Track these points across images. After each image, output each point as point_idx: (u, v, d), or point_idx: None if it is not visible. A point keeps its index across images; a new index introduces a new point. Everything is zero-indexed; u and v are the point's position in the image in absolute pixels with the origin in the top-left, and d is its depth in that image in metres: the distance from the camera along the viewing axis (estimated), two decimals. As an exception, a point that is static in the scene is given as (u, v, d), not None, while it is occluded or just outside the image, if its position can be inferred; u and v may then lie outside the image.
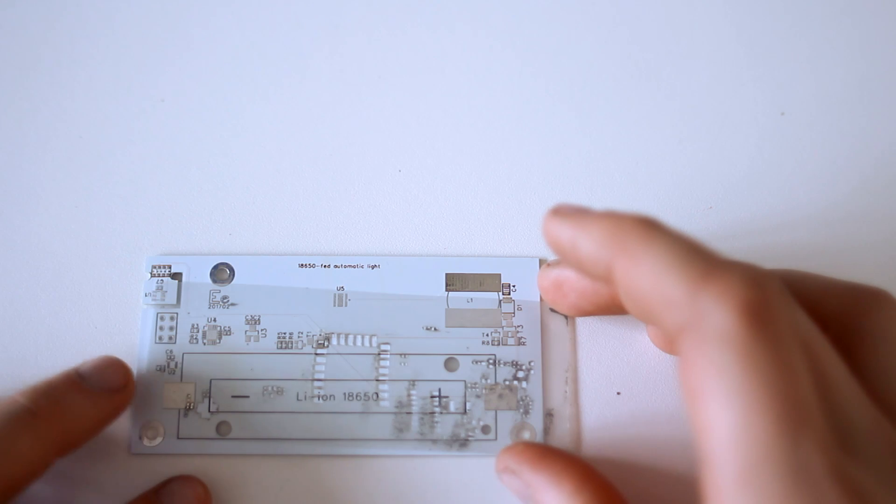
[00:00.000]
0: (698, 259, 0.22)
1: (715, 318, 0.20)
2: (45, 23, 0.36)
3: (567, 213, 0.25)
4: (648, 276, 0.22)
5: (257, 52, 0.36)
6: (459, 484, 0.31)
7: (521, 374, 0.31)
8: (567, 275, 0.29)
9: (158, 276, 0.32)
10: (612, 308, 0.29)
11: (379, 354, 0.31)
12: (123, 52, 0.36)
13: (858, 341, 0.25)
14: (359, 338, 0.31)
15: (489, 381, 0.31)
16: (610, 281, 0.24)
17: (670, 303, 0.21)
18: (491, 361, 0.31)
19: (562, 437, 0.31)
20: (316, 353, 0.31)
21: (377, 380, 0.31)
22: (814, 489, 0.19)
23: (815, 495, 0.19)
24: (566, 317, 0.32)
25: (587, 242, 0.24)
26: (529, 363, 0.31)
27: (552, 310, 0.32)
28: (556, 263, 0.30)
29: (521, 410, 0.31)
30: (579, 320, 0.32)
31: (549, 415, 0.31)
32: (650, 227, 0.23)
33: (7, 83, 0.35)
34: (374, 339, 0.32)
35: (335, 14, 0.37)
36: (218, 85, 0.36)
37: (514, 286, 0.32)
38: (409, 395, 0.31)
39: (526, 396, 0.31)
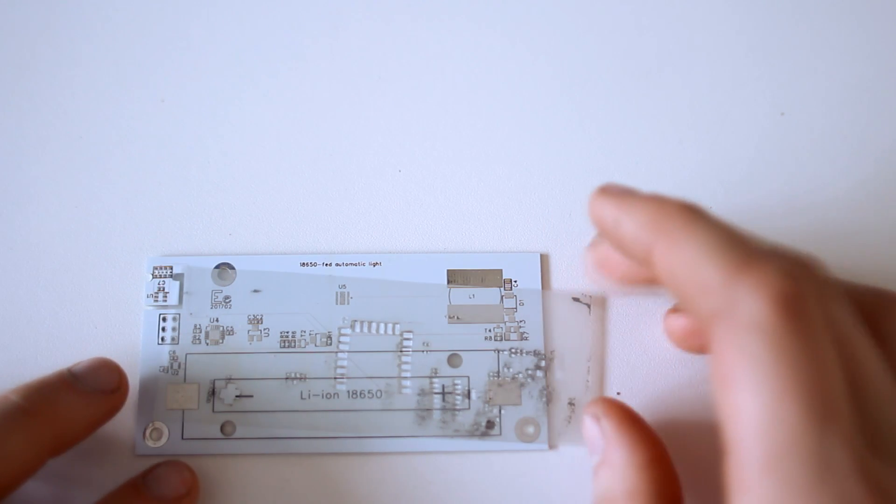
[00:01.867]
0: (737, 248, 0.22)
1: (749, 306, 0.21)
2: (45, 22, 0.36)
3: (613, 192, 0.26)
4: (687, 261, 0.22)
5: (257, 52, 0.36)
6: (478, 476, 0.31)
7: (543, 364, 0.32)
8: (612, 252, 0.29)
9: (160, 276, 0.32)
10: (656, 284, 0.29)
11: (400, 351, 0.32)
12: (123, 52, 0.36)
13: (879, 345, 0.25)
14: (380, 325, 0.32)
15: (510, 370, 0.32)
16: (649, 263, 0.24)
17: (706, 289, 0.22)
18: (514, 351, 0.32)
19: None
20: (338, 352, 0.32)
21: (399, 376, 0.32)
22: (838, 483, 0.19)
23: (838, 489, 0.19)
24: (588, 306, 0.32)
25: (630, 223, 0.24)
26: (551, 353, 0.32)
27: (575, 299, 0.32)
28: (602, 240, 0.30)
29: (544, 400, 0.31)
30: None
31: (570, 404, 0.31)
32: (693, 213, 0.23)
33: (7, 83, 0.35)
34: (398, 327, 0.32)
35: (335, 14, 0.37)
36: (218, 85, 0.36)
37: (515, 281, 0.33)
38: (421, 389, 0.32)
39: (548, 386, 0.32)
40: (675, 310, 0.31)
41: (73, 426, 0.28)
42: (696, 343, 0.30)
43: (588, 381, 0.32)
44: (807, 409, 0.20)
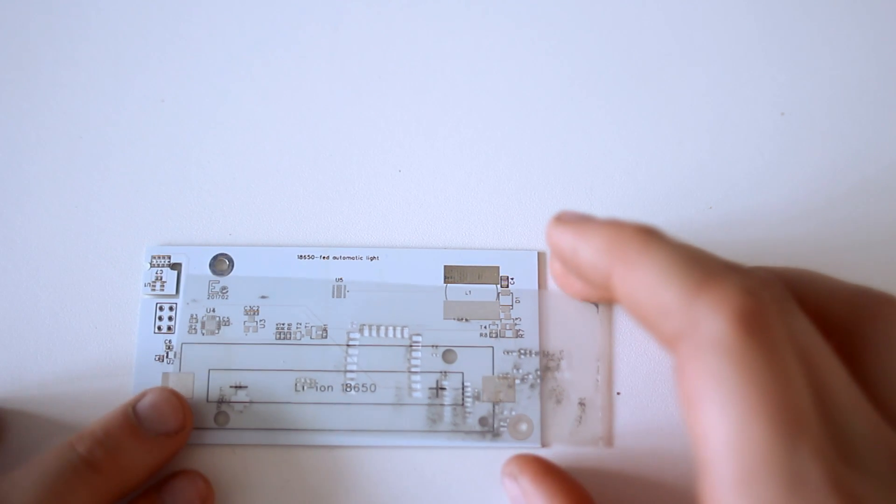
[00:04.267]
0: (695, 268, 0.22)
1: (710, 325, 0.21)
2: (45, 23, 0.37)
3: (569, 220, 0.26)
4: (645, 285, 0.23)
5: (257, 51, 0.37)
6: (471, 472, 0.32)
7: (538, 362, 0.32)
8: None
9: (158, 266, 0.33)
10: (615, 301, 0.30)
11: (410, 346, 0.33)
12: (123, 52, 0.37)
13: (864, 347, 0.26)
14: (384, 329, 0.33)
15: (506, 368, 0.32)
16: (608, 288, 0.25)
17: (666, 311, 0.22)
18: (524, 352, 0.33)
19: (594, 426, 0.32)
20: (334, 345, 0.32)
21: (392, 371, 0.33)
22: (811, 496, 0.20)
23: (812, 502, 0.20)
24: (597, 305, 0.33)
25: (587, 250, 0.25)
26: (560, 352, 0.33)
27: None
28: None
29: (554, 401, 0.32)
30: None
31: (581, 404, 0.32)
32: (649, 236, 0.24)
33: (7, 83, 0.36)
34: (406, 331, 0.33)
35: (335, 14, 0.38)
36: (218, 85, 0.37)
37: (512, 279, 0.33)
38: (413, 384, 0.32)
39: (558, 387, 0.32)
40: None
41: (136, 476, 0.29)
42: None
43: (598, 380, 0.32)
44: (775, 424, 0.20)
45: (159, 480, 0.31)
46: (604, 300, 0.32)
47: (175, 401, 0.30)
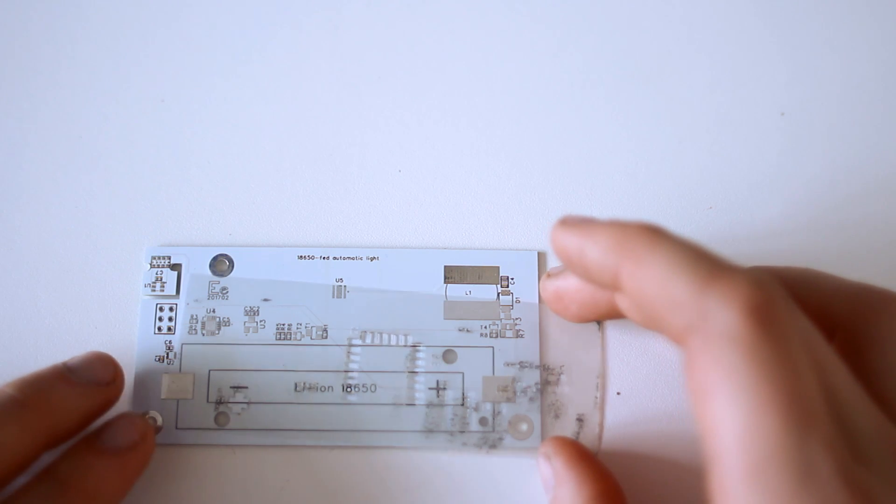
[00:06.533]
0: (704, 262, 0.23)
1: (721, 318, 0.21)
2: (45, 23, 0.38)
3: (574, 222, 0.26)
4: (655, 280, 0.23)
5: (257, 51, 0.37)
6: (470, 472, 0.32)
7: (552, 379, 0.33)
8: (566, 286, 0.31)
9: (158, 266, 0.33)
10: (611, 315, 0.30)
11: (411, 346, 0.33)
12: (123, 52, 0.37)
13: (867, 344, 0.26)
14: (386, 336, 0.33)
15: (520, 383, 0.32)
16: (617, 287, 0.25)
17: (676, 304, 0.22)
18: (525, 365, 0.33)
19: (591, 443, 0.32)
20: (350, 348, 0.33)
21: (392, 371, 0.33)
22: (821, 489, 0.20)
23: (822, 494, 0.20)
24: (598, 323, 0.33)
25: (594, 250, 0.25)
26: (560, 367, 0.33)
27: None
28: (556, 273, 0.32)
29: (552, 415, 0.32)
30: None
31: (579, 419, 0.32)
32: (656, 233, 0.24)
33: (7, 83, 0.37)
34: (407, 332, 0.33)
35: (335, 14, 0.38)
36: (218, 85, 0.37)
37: (512, 279, 0.34)
38: (413, 383, 0.33)
39: (557, 401, 0.32)
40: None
41: (67, 418, 0.29)
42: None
43: (597, 397, 0.33)
44: (786, 416, 0.20)
45: (99, 426, 0.30)
46: (598, 319, 0.32)
47: (105, 357, 0.30)
